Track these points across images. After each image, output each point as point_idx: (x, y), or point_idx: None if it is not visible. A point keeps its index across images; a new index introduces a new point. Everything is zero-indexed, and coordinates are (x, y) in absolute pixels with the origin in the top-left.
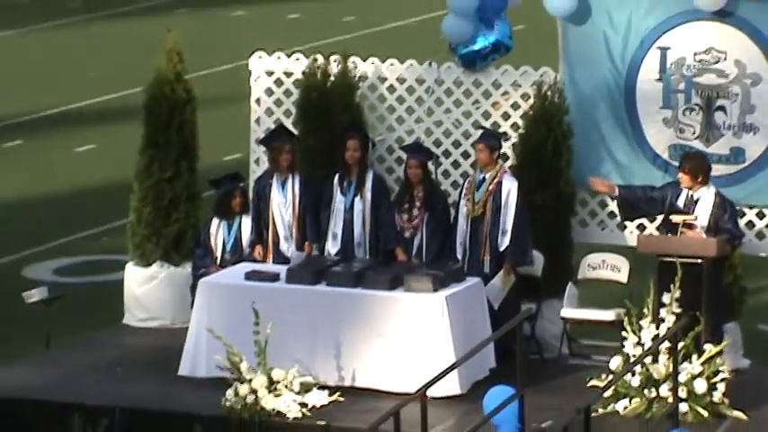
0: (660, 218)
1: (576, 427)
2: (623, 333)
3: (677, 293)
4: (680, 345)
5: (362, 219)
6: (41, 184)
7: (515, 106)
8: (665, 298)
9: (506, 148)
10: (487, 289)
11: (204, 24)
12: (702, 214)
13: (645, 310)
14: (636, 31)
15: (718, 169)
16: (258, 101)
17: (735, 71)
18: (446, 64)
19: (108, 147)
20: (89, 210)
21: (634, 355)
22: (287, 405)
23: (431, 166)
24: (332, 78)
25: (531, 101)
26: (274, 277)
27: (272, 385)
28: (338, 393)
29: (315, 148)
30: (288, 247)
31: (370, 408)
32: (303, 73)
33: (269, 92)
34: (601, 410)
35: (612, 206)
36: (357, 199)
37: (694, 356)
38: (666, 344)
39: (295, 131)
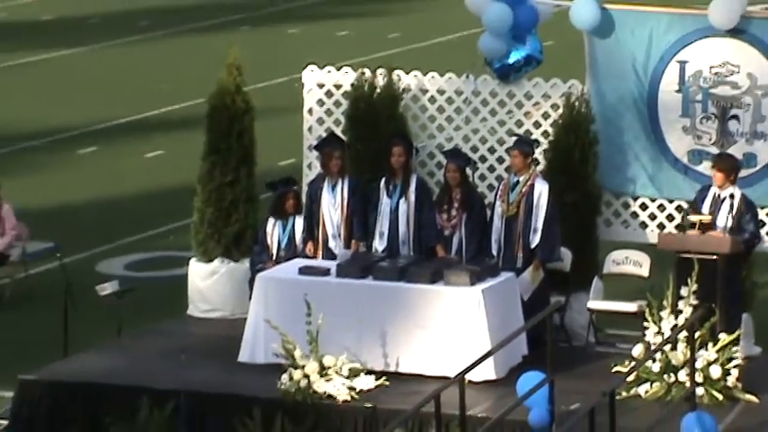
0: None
1: (602, 410)
2: (645, 323)
3: (694, 287)
4: (697, 334)
5: (407, 219)
6: (114, 188)
7: (546, 116)
8: (683, 291)
9: (537, 153)
10: (517, 282)
11: (262, 41)
12: (727, 214)
13: (664, 303)
14: (657, 45)
15: None
16: (310, 111)
17: (747, 83)
18: (482, 77)
19: (174, 153)
20: (157, 210)
21: (655, 344)
22: (337, 389)
23: (468, 170)
24: (378, 90)
25: (560, 111)
26: (325, 272)
27: (323, 371)
28: (384, 378)
29: (362, 154)
30: (335, 245)
31: (412, 391)
32: (351, 85)
33: (320, 102)
34: (624, 394)
35: (634, 207)
36: (402, 201)
37: (710, 344)
38: (684, 333)
39: (344, 139)
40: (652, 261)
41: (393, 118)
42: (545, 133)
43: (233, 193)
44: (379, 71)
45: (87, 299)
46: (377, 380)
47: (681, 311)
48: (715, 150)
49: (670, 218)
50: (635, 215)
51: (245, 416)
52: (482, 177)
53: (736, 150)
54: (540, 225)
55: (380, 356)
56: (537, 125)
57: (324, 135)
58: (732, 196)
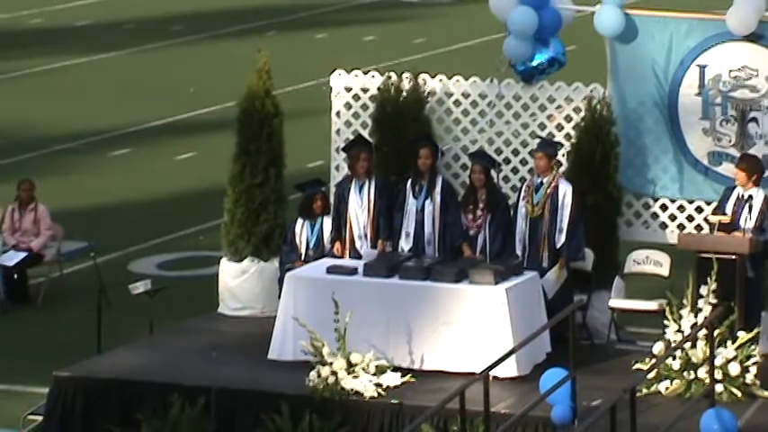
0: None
1: (623, 406)
2: (665, 321)
3: (713, 286)
4: (716, 332)
5: (432, 219)
6: (146, 188)
7: (568, 118)
8: (703, 290)
9: (560, 155)
10: (542, 281)
11: (291, 46)
12: (749, 214)
13: (684, 301)
14: (677, 50)
15: None
16: (338, 114)
17: (766, 87)
18: (506, 80)
19: (205, 155)
20: (188, 211)
21: (675, 341)
22: (364, 385)
23: (493, 172)
24: (404, 94)
25: (582, 114)
26: (353, 271)
27: (350, 368)
28: (410, 375)
29: (389, 156)
30: (361, 245)
31: (438, 388)
32: (378, 89)
33: (347, 106)
34: (645, 391)
35: (655, 207)
36: (428, 201)
37: (729, 342)
38: (704, 331)
39: (371, 141)
40: (672, 261)
41: (418, 121)
42: (567, 136)
43: (262, 194)
44: (405, 75)
45: (120, 297)
46: (403, 377)
47: (700, 310)
48: (735, 152)
49: (690, 218)
50: (655, 216)
51: (273, 412)
52: (506, 179)
53: (756, 152)
54: (565, 225)
55: (406, 354)
56: (559, 128)
57: (351, 137)
58: (754, 197)
